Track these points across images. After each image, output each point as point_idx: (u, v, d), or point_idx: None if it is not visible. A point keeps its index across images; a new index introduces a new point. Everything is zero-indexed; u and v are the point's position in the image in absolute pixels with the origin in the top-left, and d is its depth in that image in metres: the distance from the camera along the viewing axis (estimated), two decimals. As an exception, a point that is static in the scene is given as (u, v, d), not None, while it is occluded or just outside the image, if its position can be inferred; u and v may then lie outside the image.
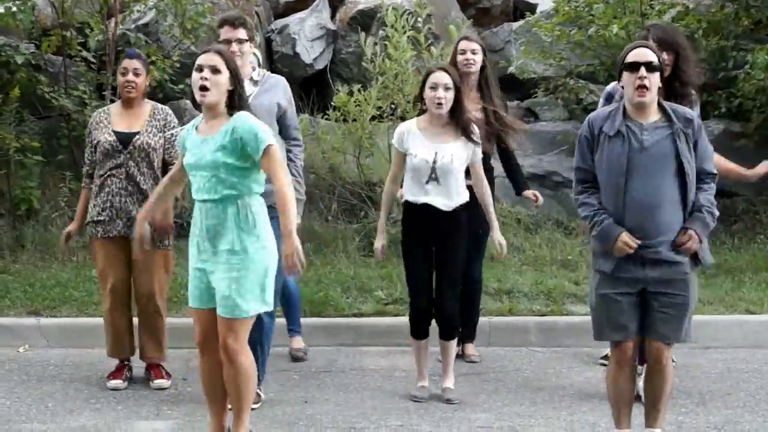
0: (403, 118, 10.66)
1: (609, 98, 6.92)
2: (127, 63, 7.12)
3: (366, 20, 12.93)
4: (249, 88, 6.40)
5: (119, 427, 6.35)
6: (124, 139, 7.01)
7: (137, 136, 7.00)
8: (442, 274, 6.91)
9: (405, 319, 7.70)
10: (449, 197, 6.78)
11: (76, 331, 8.34)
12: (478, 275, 7.81)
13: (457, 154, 6.75)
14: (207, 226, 5.41)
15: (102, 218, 7.04)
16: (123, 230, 7.02)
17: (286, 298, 7.71)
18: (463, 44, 7.60)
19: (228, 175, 5.36)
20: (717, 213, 5.49)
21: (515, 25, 13.81)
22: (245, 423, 5.60)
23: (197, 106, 5.59)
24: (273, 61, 13.06)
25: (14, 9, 10.48)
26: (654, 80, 5.39)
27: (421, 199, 6.77)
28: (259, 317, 5.79)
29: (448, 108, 6.73)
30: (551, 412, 6.66)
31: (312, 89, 12.36)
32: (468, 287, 7.62)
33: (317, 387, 7.19)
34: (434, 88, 6.70)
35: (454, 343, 7.07)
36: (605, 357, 7.81)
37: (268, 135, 5.38)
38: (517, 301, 8.97)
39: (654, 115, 5.46)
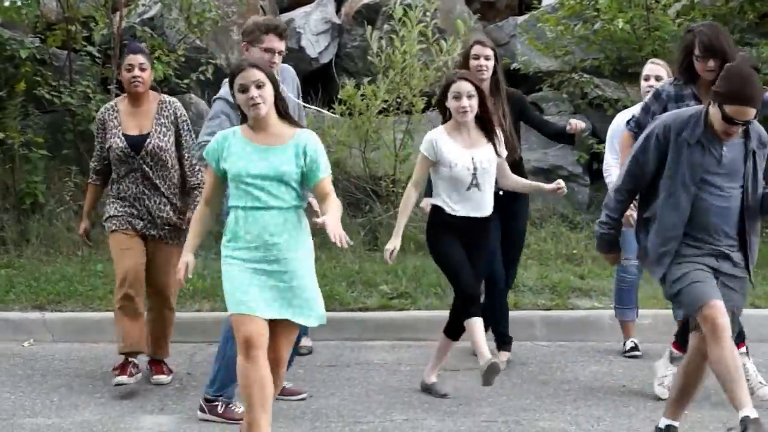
0: (408, 112, 10.68)
1: (657, 96, 6.75)
2: (132, 59, 7.06)
3: (371, 14, 12.90)
4: None
5: (124, 421, 6.36)
6: (136, 144, 6.97)
7: (148, 140, 6.96)
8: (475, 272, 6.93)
9: (410, 313, 7.74)
10: (486, 205, 6.79)
11: (81, 325, 8.35)
12: (504, 280, 7.70)
13: (492, 157, 6.78)
14: (264, 231, 5.32)
15: (122, 213, 7.02)
16: (143, 230, 7.04)
17: None
18: (476, 49, 7.42)
19: (297, 185, 5.38)
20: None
21: (520, 19, 13.77)
22: None
23: (245, 120, 5.49)
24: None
25: (19, 3, 10.48)
26: (740, 130, 5.43)
27: (460, 213, 6.72)
28: None
29: (473, 115, 6.71)
30: (556, 407, 6.66)
31: (317, 83, 12.34)
32: (501, 290, 7.58)
33: (322, 381, 7.19)
34: (458, 98, 6.65)
35: (476, 321, 6.80)
36: (631, 350, 7.81)
37: (328, 165, 5.49)
38: (522, 296, 8.96)
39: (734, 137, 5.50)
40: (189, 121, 7.24)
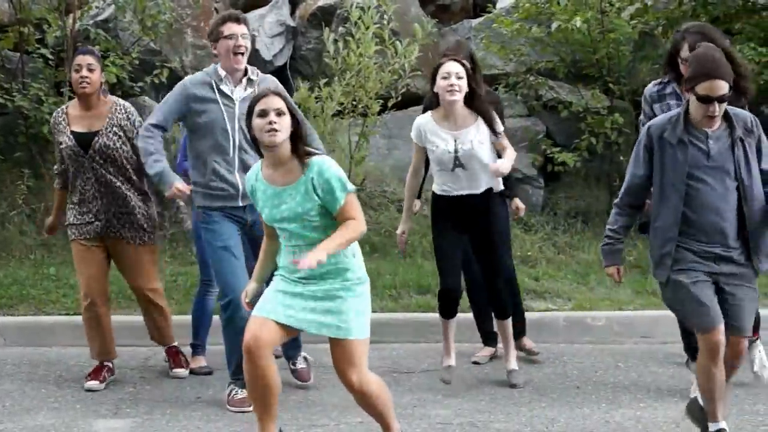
0: (364, 115, 10.67)
1: (644, 100, 6.80)
2: (80, 59, 7.03)
3: (326, 17, 12.89)
4: (245, 90, 6.48)
5: (77, 425, 6.32)
6: (84, 142, 6.96)
7: (96, 138, 6.95)
8: (483, 257, 7.08)
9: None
10: (478, 183, 6.93)
11: (34, 329, 8.30)
12: (512, 270, 7.77)
13: (477, 137, 6.86)
14: (303, 271, 5.22)
15: (80, 221, 7.04)
16: (102, 232, 7.04)
17: (202, 313, 7.62)
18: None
19: (319, 218, 5.27)
20: None
21: (475, 21, 13.81)
22: None
23: (260, 155, 5.41)
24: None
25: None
26: (723, 108, 5.46)
27: (452, 193, 6.95)
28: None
29: (462, 96, 6.81)
30: (511, 408, 6.68)
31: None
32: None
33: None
34: (446, 77, 6.78)
35: (509, 322, 7.13)
36: None
37: (349, 182, 5.37)
38: (477, 298, 8.97)
39: (717, 122, 5.52)
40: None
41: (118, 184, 6.98)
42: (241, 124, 6.37)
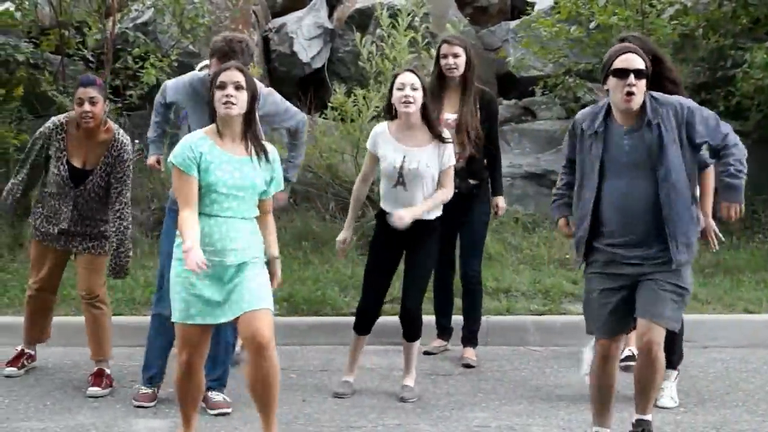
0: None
1: None
2: (81, 92, 6.86)
3: (363, 19, 12.93)
4: None
5: (117, 425, 6.35)
6: (77, 177, 6.94)
7: (90, 177, 6.93)
8: (408, 274, 6.97)
9: None
10: (415, 201, 6.79)
11: (75, 329, 8.31)
12: (476, 275, 7.78)
13: (425, 159, 6.75)
14: (225, 237, 5.38)
15: (45, 230, 7.07)
16: (64, 246, 7.10)
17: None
18: (444, 48, 7.50)
19: (256, 196, 5.52)
20: (743, 168, 5.54)
21: (513, 23, 13.81)
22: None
23: (213, 120, 5.53)
24: (270, 60, 13.06)
25: (12, 8, 10.47)
26: (641, 86, 5.42)
27: (388, 208, 6.83)
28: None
29: (417, 107, 6.72)
30: (549, 411, 6.66)
31: (309, 88, 12.35)
32: (467, 287, 7.65)
33: (315, 386, 7.19)
34: (401, 88, 6.71)
35: (416, 344, 7.05)
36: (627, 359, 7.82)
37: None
38: (514, 301, 8.97)
39: (636, 118, 5.47)
40: (130, 168, 7.11)
41: (92, 214, 7.03)
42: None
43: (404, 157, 6.73)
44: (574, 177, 5.75)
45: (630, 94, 5.39)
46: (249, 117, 5.50)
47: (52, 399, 6.87)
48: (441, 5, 13.11)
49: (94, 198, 7.00)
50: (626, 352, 7.83)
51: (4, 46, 10.52)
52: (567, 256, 10.20)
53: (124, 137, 7.09)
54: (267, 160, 5.52)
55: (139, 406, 6.67)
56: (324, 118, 11.20)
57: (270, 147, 5.59)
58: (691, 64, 11.51)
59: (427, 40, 10.68)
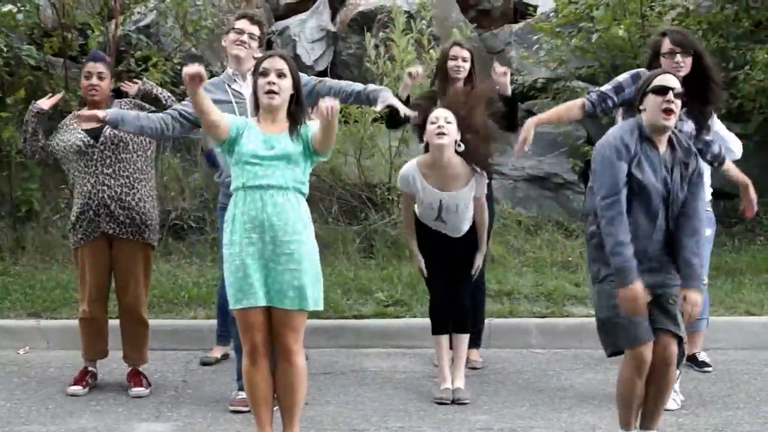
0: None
1: (636, 78, 6.65)
2: (91, 66, 7.01)
3: (366, 22, 12.93)
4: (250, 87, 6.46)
5: (119, 428, 6.35)
6: (95, 133, 6.91)
7: (107, 127, 6.79)
8: (455, 275, 7.02)
9: (405, 321, 7.76)
10: (456, 230, 6.94)
11: (77, 332, 8.31)
12: (481, 279, 7.78)
13: (463, 202, 6.83)
14: (263, 212, 5.36)
15: (84, 219, 6.95)
16: (104, 227, 6.94)
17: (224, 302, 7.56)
18: (455, 50, 7.59)
19: (296, 165, 5.44)
20: (705, 263, 5.59)
21: (515, 27, 13.82)
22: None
23: (257, 110, 5.56)
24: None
25: (15, 10, 10.47)
26: (678, 105, 5.45)
27: (432, 225, 6.95)
28: None
29: (451, 141, 6.66)
30: (552, 414, 6.65)
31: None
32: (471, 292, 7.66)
33: (318, 389, 7.18)
34: (434, 122, 6.68)
35: (466, 337, 7.08)
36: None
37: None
38: (517, 303, 8.97)
39: (673, 119, 5.49)
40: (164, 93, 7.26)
41: (123, 178, 6.93)
42: None
43: (441, 200, 6.79)
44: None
45: (669, 111, 5.42)
46: (293, 103, 5.49)
47: (54, 403, 6.87)
48: (444, 8, 13.12)
49: (119, 148, 6.92)
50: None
51: (8, 49, 10.49)
52: (569, 259, 10.21)
53: (133, 100, 7.22)
54: (300, 132, 5.46)
55: (235, 411, 6.60)
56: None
57: (309, 125, 5.52)
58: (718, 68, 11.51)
59: (432, 44, 10.69)
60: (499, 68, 7.47)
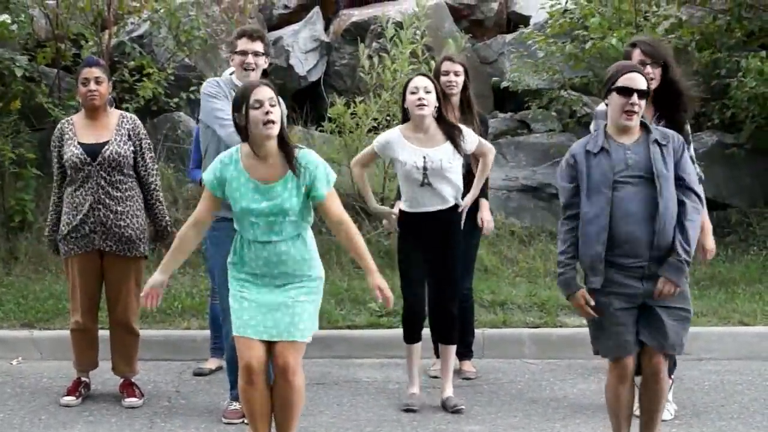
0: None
1: (595, 117, 6.81)
2: (87, 72, 6.97)
3: (360, 32, 12.94)
4: None
5: (112, 439, 6.36)
6: (92, 152, 6.89)
7: (106, 147, 6.87)
8: (441, 275, 6.97)
9: (399, 331, 7.71)
10: (443, 199, 6.88)
11: (70, 343, 8.32)
12: (468, 291, 7.78)
13: (446, 157, 6.83)
14: (269, 262, 5.39)
15: (77, 234, 6.92)
16: (99, 244, 6.93)
17: (215, 317, 7.55)
18: (446, 65, 7.54)
19: (298, 216, 5.41)
20: (692, 251, 5.48)
21: (509, 37, 13.83)
22: None
23: (246, 139, 5.44)
24: (266, 73, 13.03)
25: (9, 21, 10.46)
26: (642, 105, 5.48)
27: (419, 210, 6.88)
28: None
29: (430, 110, 6.82)
30: (545, 424, 6.66)
31: (305, 101, 12.36)
32: (460, 305, 7.65)
33: (311, 399, 7.16)
34: (415, 92, 6.81)
35: (453, 348, 7.09)
36: None
37: (332, 173, 5.54)
38: (510, 313, 8.98)
39: (635, 134, 5.52)
40: (149, 141, 7.18)
41: (119, 195, 6.92)
42: None
43: (424, 157, 6.81)
44: (577, 233, 5.60)
45: (631, 112, 5.44)
46: (282, 134, 5.40)
47: (47, 413, 6.87)
48: (437, 18, 13.12)
49: (116, 170, 6.90)
50: None
51: (1, 59, 10.48)
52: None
53: (132, 115, 7.22)
54: (298, 173, 5.37)
55: (228, 423, 6.61)
56: (321, 130, 11.20)
57: (301, 153, 5.43)
58: (685, 77, 11.51)
59: (425, 54, 10.69)
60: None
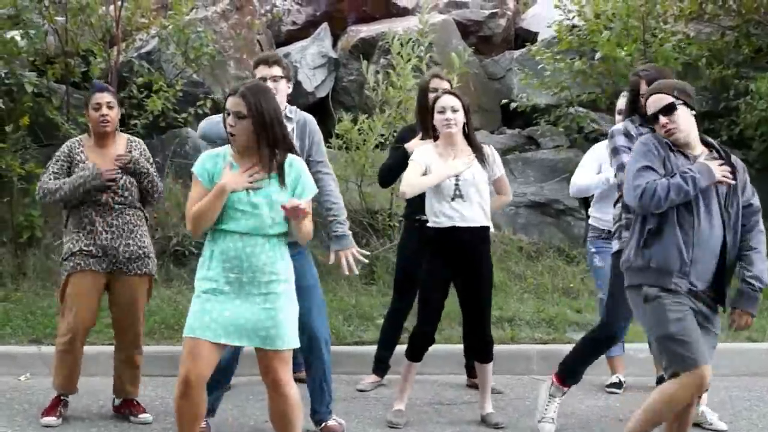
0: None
1: (628, 135, 6.73)
2: (99, 97, 6.90)
3: (367, 48, 12.98)
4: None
5: (118, 455, 6.35)
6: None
7: (119, 175, 6.83)
8: (475, 301, 6.91)
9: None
10: (474, 217, 6.80)
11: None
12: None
13: (476, 172, 6.81)
14: (248, 260, 5.31)
15: (86, 255, 6.85)
16: (108, 267, 6.88)
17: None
18: (434, 82, 7.53)
19: (280, 218, 5.38)
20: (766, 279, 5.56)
21: (516, 53, 13.86)
22: None
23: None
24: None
25: (18, 37, 10.50)
26: (674, 119, 5.46)
27: (447, 223, 6.78)
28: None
29: (459, 128, 6.83)
30: (553, 441, 6.65)
31: (314, 117, 12.37)
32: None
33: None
34: (442, 111, 6.81)
35: (490, 365, 7.05)
36: (612, 385, 7.81)
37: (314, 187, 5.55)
38: (519, 329, 8.97)
39: (676, 134, 5.50)
40: (154, 165, 7.16)
41: (130, 218, 6.90)
42: None
43: None
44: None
45: (668, 132, 5.47)
46: (263, 137, 5.33)
47: (55, 430, 6.86)
48: (445, 34, 13.16)
49: (123, 198, 6.88)
50: (613, 379, 7.87)
51: (10, 75, 10.51)
52: (571, 285, 10.21)
53: (138, 139, 7.19)
54: (285, 175, 5.39)
55: None
56: (328, 147, 11.21)
57: (291, 157, 5.45)
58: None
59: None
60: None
